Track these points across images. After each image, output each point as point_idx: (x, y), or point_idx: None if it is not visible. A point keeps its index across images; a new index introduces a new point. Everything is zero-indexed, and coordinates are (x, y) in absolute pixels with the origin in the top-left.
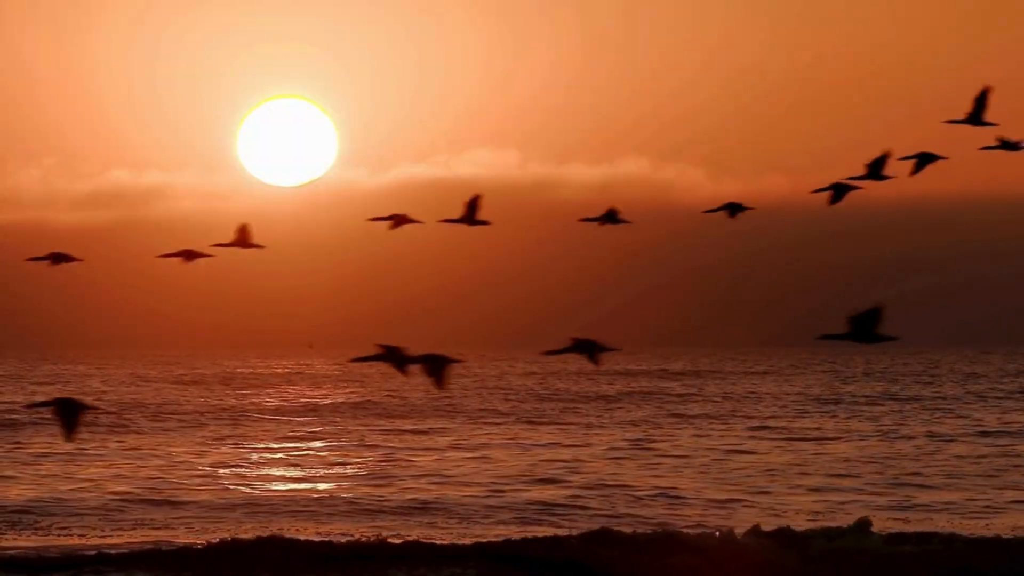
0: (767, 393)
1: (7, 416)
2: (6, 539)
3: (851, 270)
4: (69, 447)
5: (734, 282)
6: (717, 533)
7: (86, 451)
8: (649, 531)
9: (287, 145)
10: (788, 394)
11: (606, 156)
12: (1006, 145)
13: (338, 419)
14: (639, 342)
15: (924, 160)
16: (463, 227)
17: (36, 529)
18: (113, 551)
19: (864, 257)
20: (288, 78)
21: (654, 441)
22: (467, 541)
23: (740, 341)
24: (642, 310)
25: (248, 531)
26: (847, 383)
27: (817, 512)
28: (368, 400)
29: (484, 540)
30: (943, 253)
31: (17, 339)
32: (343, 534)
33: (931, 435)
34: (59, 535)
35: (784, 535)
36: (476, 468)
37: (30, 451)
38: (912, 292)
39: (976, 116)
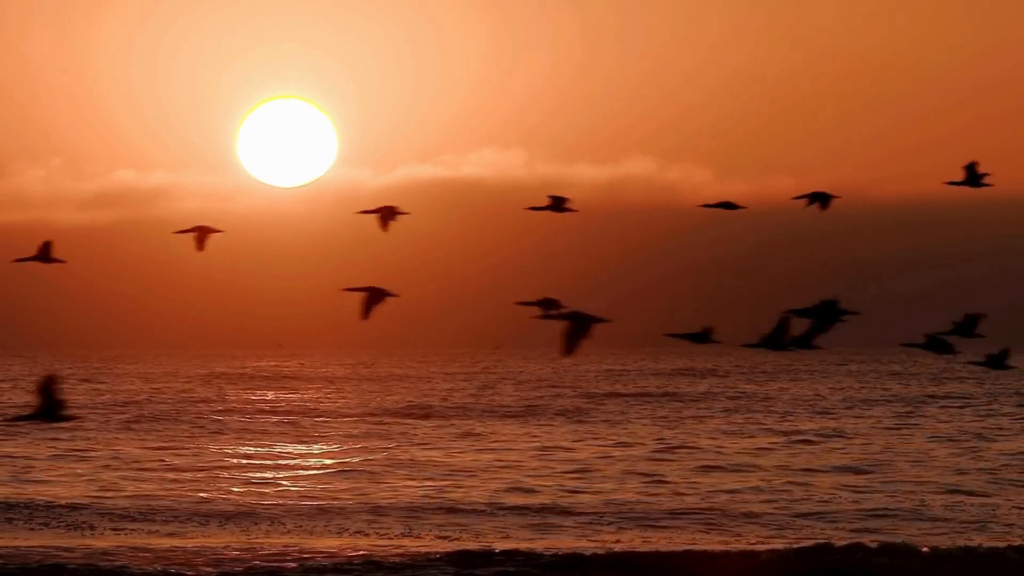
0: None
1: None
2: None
3: (854, 269)
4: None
5: (738, 280)
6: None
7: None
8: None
9: (288, 145)
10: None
11: (612, 156)
12: None
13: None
14: (643, 340)
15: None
16: (469, 226)
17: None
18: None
19: (865, 257)
20: (288, 78)
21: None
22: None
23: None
24: (646, 309)
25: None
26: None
27: None
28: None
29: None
30: (943, 252)
31: (19, 339)
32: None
33: None
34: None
35: None
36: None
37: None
38: (912, 291)
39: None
